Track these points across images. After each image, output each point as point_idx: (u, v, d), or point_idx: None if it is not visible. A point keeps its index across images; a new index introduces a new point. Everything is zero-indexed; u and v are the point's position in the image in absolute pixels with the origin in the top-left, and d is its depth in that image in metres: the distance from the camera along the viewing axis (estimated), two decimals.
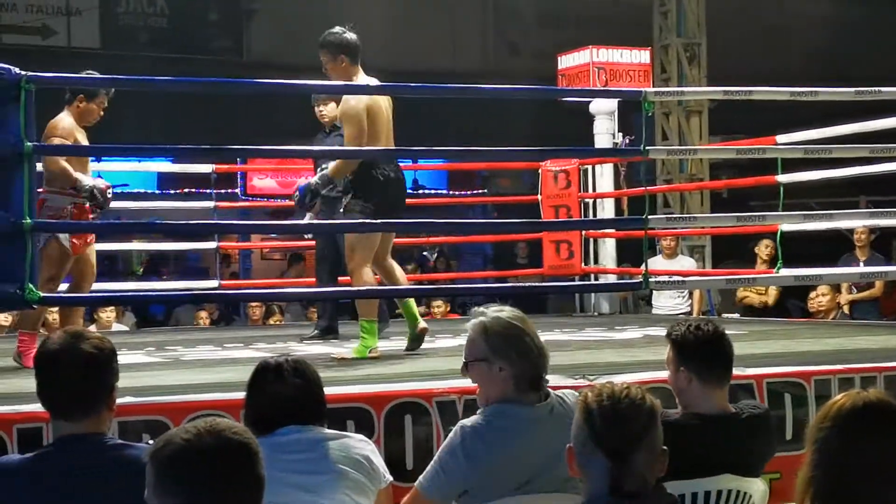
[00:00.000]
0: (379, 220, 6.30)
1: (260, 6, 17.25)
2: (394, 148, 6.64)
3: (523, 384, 3.53)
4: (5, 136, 4.95)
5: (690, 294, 11.09)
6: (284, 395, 3.45)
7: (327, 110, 7.87)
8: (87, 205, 6.42)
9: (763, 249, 10.26)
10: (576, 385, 4.82)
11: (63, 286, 6.66)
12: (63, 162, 6.33)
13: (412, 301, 6.80)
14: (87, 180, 6.36)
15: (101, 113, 6.53)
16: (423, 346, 6.76)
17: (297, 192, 6.66)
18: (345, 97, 6.42)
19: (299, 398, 3.46)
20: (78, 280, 6.65)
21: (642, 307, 11.68)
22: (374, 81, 6.45)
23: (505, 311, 3.61)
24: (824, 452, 2.44)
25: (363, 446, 3.51)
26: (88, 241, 6.48)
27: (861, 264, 9.61)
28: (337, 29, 6.50)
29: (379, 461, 3.53)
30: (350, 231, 6.56)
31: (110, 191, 6.49)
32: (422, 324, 6.72)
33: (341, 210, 6.63)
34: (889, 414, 2.47)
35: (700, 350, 3.73)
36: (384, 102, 6.48)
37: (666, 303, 10.99)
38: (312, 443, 3.42)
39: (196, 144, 6.62)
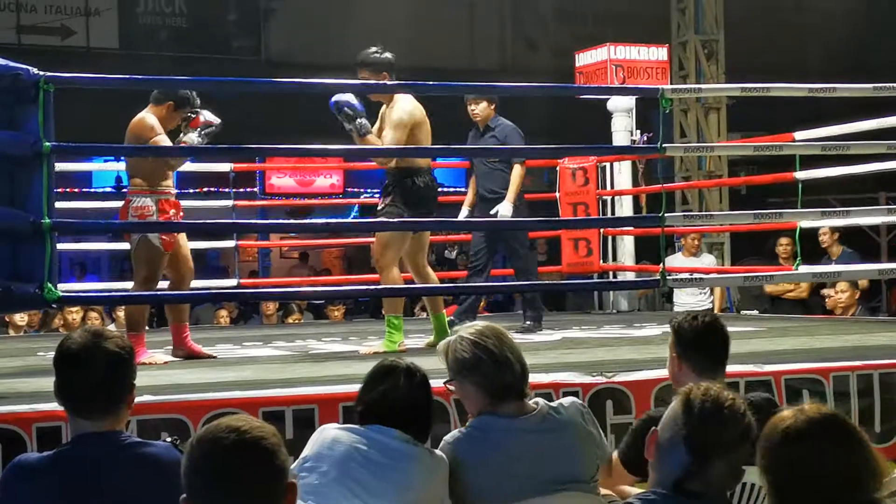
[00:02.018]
0: (398, 220, 6.41)
1: (278, 5, 17.29)
2: (412, 147, 6.68)
3: (497, 397, 3.54)
4: (24, 137, 4.97)
5: (711, 291, 11.07)
6: (391, 398, 3.51)
7: (479, 109, 8.08)
8: (172, 200, 6.48)
9: (783, 247, 10.24)
10: (593, 382, 4.83)
11: (164, 284, 6.73)
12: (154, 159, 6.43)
13: (444, 315, 6.95)
14: (203, 128, 6.45)
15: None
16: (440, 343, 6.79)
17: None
18: (397, 107, 6.62)
19: (398, 403, 3.51)
20: (175, 278, 6.70)
21: (663, 304, 11.66)
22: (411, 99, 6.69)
23: (473, 328, 3.63)
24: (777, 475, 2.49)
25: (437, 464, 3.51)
26: (173, 239, 6.51)
27: (833, 262, 9.57)
28: (374, 48, 6.74)
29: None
30: (363, 230, 6.65)
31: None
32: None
33: (379, 209, 6.78)
34: (832, 426, 2.51)
35: (694, 338, 3.84)
36: (424, 113, 6.73)
37: (687, 300, 10.96)
38: (394, 451, 3.43)
39: (218, 141, 6.63)
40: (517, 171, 8.07)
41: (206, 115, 6.50)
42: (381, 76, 6.63)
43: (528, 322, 8.10)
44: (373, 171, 9.53)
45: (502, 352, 3.54)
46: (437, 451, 3.54)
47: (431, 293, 7.03)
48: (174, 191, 6.60)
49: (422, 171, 6.71)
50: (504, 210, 7.96)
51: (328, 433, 3.47)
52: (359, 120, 6.44)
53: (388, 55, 6.71)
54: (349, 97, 6.43)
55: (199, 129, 6.45)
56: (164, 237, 6.40)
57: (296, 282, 8.99)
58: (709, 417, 2.75)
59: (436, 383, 3.69)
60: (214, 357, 6.59)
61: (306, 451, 3.45)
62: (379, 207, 6.79)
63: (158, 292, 6.59)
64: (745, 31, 16.26)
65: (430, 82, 6.75)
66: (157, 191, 6.44)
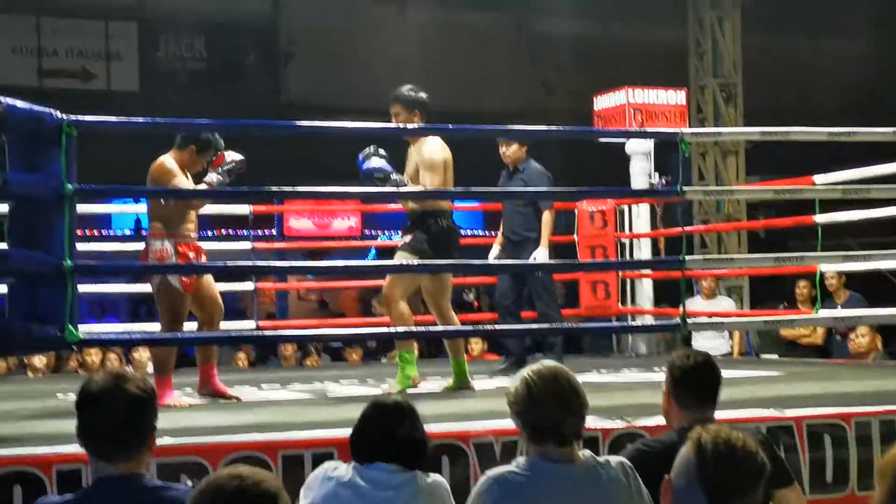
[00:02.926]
0: (416, 263, 6.42)
1: (298, 48, 17.37)
2: (430, 190, 6.71)
3: (537, 439, 3.47)
4: (47, 179, 5.01)
5: (731, 335, 11.03)
6: (383, 434, 3.56)
7: (510, 151, 8.27)
8: (191, 244, 6.53)
9: (801, 290, 10.21)
10: (612, 427, 4.82)
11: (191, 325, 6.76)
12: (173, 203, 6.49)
13: (465, 360, 6.97)
14: (224, 165, 6.48)
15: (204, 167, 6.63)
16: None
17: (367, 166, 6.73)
18: (428, 149, 6.75)
19: (397, 438, 3.56)
20: (203, 318, 6.74)
21: (682, 348, 11.61)
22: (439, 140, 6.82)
23: (532, 367, 3.58)
24: None
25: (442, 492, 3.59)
26: (194, 279, 6.53)
27: (839, 307, 9.53)
28: (407, 86, 6.85)
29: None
30: (381, 272, 6.68)
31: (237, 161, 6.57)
32: (471, 382, 6.92)
33: (399, 245, 6.87)
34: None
35: (684, 375, 3.86)
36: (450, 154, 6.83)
37: (706, 344, 10.90)
38: (401, 483, 3.50)
39: (237, 184, 6.65)
40: (546, 218, 8.14)
41: (229, 154, 6.53)
42: (412, 114, 6.75)
43: (505, 364, 8.11)
44: (390, 213, 9.54)
45: (547, 393, 3.47)
46: (434, 475, 3.59)
47: (451, 336, 7.02)
48: (195, 234, 6.62)
49: (444, 214, 6.78)
50: (541, 256, 8.06)
51: (326, 473, 3.54)
52: (393, 177, 6.55)
53: (422, 95, 6.82)
54: (374, 163, 6.58)
55: (220, 168, 6.48)
56: (184, 279, 6.43)
57: (313, 324, 8.97)
58: (723, 460, 2.72)
59: (447, 427, 3.67)
60: (239, 399, 6.61)
61: (311, 495, 3.48)
62: (399, 244, 6.84)
63: (178, 334, 6.60)
64: (763, 74, 16.27)
65: (451, 125, 6.75)
66: (176, 234, 6.47)
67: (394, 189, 6.64)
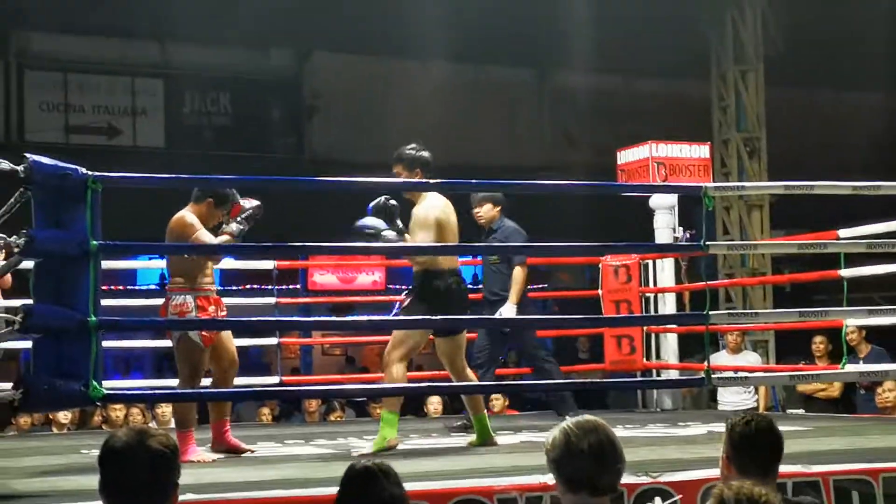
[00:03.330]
0: (439, 317, 6.39)
1: (322, 104, 17.48)
2: (453, 245, 6.71)
3: (580, 491, 3.44)
4: (72, 235, 5.03)
5: (756, 389, 10.96)
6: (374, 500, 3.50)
7: (483, 212, 8.33)
8: (211, 297, 6.55)
9: (818, 346, 10.17)
10: (638, 482, 4.78)
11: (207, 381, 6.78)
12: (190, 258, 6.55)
13: (485, 416, 6.89)
14: (242, 213, 6.52)
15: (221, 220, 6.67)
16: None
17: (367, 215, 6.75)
18: (423, 206, 6.68)
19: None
20: (218, 373, 6.76)
21: (708, 403, 11.54)
22: (439, 198, 6.73)
23: (574, 420, 3.54)
24: None
25: None
26: (213, 333, 6.56)
27: (861, 361, 9.46)
28: (413, 145, 6.81)
29: None
30: (407, 327, 6.62)
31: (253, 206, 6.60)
32: (494, 438, 6.84)
33: (401, 307, 6.78)
34: None
35: (744, 441, 3.78)
36: (452, 214, 6.73)
37: (731, 398, 10.86)
38: None
39: (259, 240, 6.67)
40: (518, 273, 8.15)
41: (246, 202, 6.57)
42: (414, 173, 6.71)
43: (461, 422, 8.07)
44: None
45: (585, 445, 3.44)
46: None
47: (471, 391, 6.99)
48: (215, 287, 6.64)
49: (443, 273, 6.63)
50: (507, 312, 8.07)
51: None
52: (384, 233, 6.53)
53: (424, 153, 6.77)
54: (364, 221, 6.59)
55: (239, 216, 6.52)
56: (203, 333, 6.46)
57: (336, 379, 8.97)
58: None
59: (471, 483, 3.64)
60: (253, 451, 6.60)
61: None
62: (402, 306, 6.78)
63: (201, 390, 6.61)
64: (787, 127, 16.30)
65: (468, 180, 6.77)
66: (197, 288, 6.51)
67: (413, 244, 6.58)
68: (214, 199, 6.57)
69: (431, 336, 6.93)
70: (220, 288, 6.83)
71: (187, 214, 6.53)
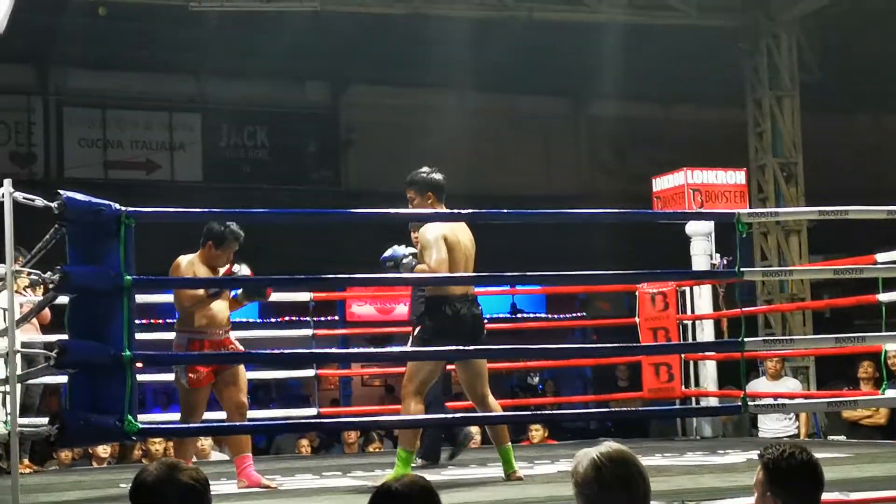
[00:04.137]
0: (473, 347, 6.35)
1: (357, 136, 17.55)
2: (490, 274, 6.69)
3: None
4: (106, 270, 5.06)
5: (797, 416, 10.88)
6: None
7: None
8: (207, 340, 6.61)
9: (865, 370, 10.07)
10: None
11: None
12: (180, 301, 6.64)
13: (510, 448, 6.73)
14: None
15: (231, 258, 6.73)
16: (523, 471, 6.74)
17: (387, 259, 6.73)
18: (424, 230, 6.57)
19: None
20: (227, 412, 6.80)
21: (750, 430, 11.47)
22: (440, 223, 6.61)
23: (603, 451, 3.52)
24: None
25: None
26: (205, 375, 6.61)
27: None
28: (424, 169, 6.70)
29: None
30: (454, 358, 6.59)
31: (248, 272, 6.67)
32: (518, 472, 6.67)
33: (414, 336, 6.72)
34: None
35: (790, 477, 3.62)
36: (463, 235, 6.59)
37: (772, 425, 10.79)
38: None
39: (298, 271, 6.70)
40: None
41: (242, 270, 6.63)
42: (425, 196, 6.60)
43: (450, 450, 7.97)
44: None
45: (615, 477, 3.41)
46: None
47: (500, 422, 6.89)
48: (216, 330, 6.69)
49: (451, 299, 6.48)
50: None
51: None
52: (405, 261, 6.50)
53: (435, 176, 6.64)
54: (387, 251, 6.57)
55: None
56: (190, 375, 6.55)
57: (373, 410, 8.96)
58: None
59: None
60: (276, 487, 6.62)
61: None
62: (414, 334, 6.72)
63: (236, 423, 6.63)
64: (824, 152, 16.22)
65: (500, 210, 6.74)
66: (190, 331, 6.65)
67: (442, 275, 6.48)
68: (213, 242, 6.66)
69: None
70: (259, 320, 6.88)
71: (181, 258, 6.67)
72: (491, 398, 6.70)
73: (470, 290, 6.62)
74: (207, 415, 7.03)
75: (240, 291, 6.84)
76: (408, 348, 6.66)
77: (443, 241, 6.43)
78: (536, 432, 11.17)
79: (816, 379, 13.39)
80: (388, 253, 6.60)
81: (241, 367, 6.84)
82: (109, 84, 16.43)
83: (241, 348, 6.92)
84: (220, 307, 6.71)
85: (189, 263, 6.67)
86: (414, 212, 6.63)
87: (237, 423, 6.63)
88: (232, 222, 6.70)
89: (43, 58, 16.02)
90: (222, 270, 6.70)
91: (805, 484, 3.66)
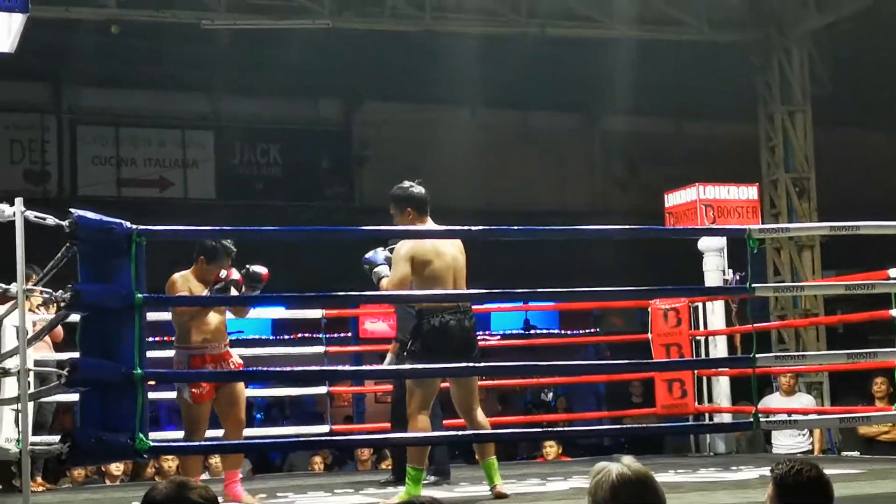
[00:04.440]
0: (484, 365, 6.34)
1: (371, 152, 17.57)
2: (505, 290, 6.68)
3: None
4: (117, 288, 5.08)
5: (811, 432, 10.84)
6: None
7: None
8: (208, 355, 6.61)
9: (879, 387, 10.03)
10: None
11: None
12: (178, 315, 6.65)
13: (494, 460, 6.62)
14: (217, 284, 6.59)
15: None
16: (536, 488, 6.74)
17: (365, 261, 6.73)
18: (397, 245, 6.56)
19: None
20: (225, 429, 6.82)
21: (764, 446, 11.44)
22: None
23: (622, 471, 3.50)
24: None
25: None
26: (208, 390, 6.62)
27: None
28: (406, 183, 6.67)
29: None
30: (459, 375, 6.57)
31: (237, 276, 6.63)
32: (500, 486, 6.56)
33: (404, 354, 6.68)
34: None
35: (799, 493, 3.63)
36: (448, 248, 6.53)
37: (786, 441, 10.76)
38: None
39: (310, 288, 6.71)
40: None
41: (228, 273, 6.62)
42: (405, 212, 6.58)
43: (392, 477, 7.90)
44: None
45: (632, 497, 3.40)
46: None
47: (513, 438, 6.92)
48: (216, 344, 6.71)
49: (435, 312, 6.40)
50: (388, 361, 8.03)
51: None
52: (377, 269, 6.55)
53: (415, 190, 6.60)
54: (370, 253, 6.65)
55: (213, 287, 6.58)
56: (193, 391, 6.55)
57: (386, 427, 8.92)
58: None
59: None
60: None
61: None
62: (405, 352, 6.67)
63: (251, 440, 6.64)
64: (836, 167, 16.20)
65: (510, 227, 6.72)
66: (189, 347, 6.68)
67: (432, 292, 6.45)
68: (206, 257, 6.68)
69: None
70: (272, 337, 6.91)
71: (176, 276, 6.70)
72: (480, 413, 6.62)
73: (462, 302, 6.55)
74: (208, 433, 7.03)
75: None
76: (406, 366, 6.58)
77: (409, 260, 6.38)
78: (550, 449, 11.14)
79: (830, 395, 13.34)
80: (369, 255, 6.63)
81: (241, 384, 6.86)
82: (122, 102, 16.49)
83: (241, 362, 6.92)
84: (216, 320, 6.74)
85: (184, 279, 6.71)
86: (429, 228, 6.61)
87: (246, 442, 6.65)
88: (229, 240, 6.72)
89: (56, 76, 16.08)
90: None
91: (814, 500, 3.66)
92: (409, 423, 6.49)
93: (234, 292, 6.58)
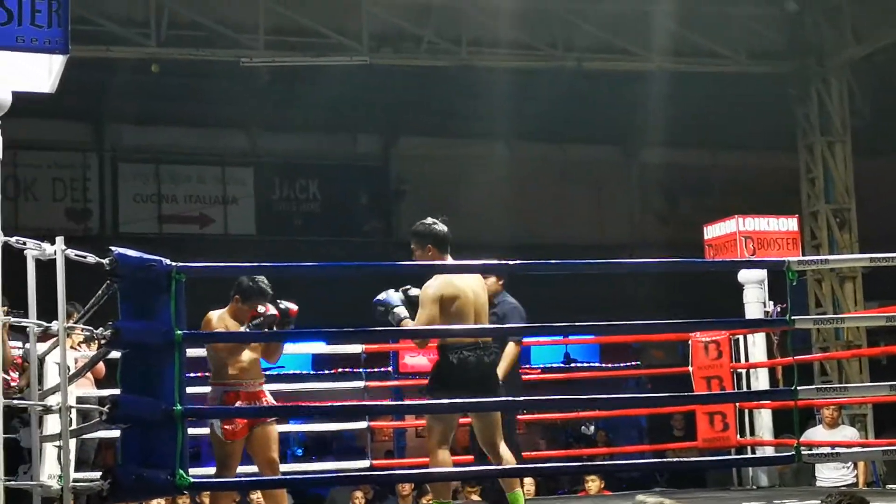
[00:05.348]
0: (524, 399, 6.32)
1: (409, 187, 17.63)
2: (544, 325, 6.65)
3: None
4: (157, 325, 5.10)
5: (855, 464, 10.74)
6: None
7: (487, 284, 7.97)
8: (242, 392, 6.63)
9: None
10: None
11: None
12: (215, 351, 6.68)
13: (520, 493, 6.62)
14: (255, 320, 6.59)
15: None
16: None
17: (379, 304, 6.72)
18: (425, 285, 6.53)
19: None
20: (259, 468, 6.82)
21: (809, 479, 11.34)
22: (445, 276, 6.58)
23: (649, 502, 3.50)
24: None
25: None
26: (241, 427, 6.64)
27: None
28: (428, 220, 6.71)
29: None
30: (491, 408, 6.55)
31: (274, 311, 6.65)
32: None
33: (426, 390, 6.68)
34: None
35: None
36: (472, 286, 6.57)
37: (830, 474, 10.65)
38: None
39: (349, 324, 6.72)
40: (510, 349, 7.77)
41: (265, 308, 6.63)
42: (426, 248, 6.61)
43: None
44: None
45: None
46: None
47: (551, 473, 6.89)
48: (250, 381, 6.72)
49: (455, 347, 6.44)
50: None
51: None
52: (395, 310, 6.49)
53: (438, 228, 6.63)
54: (382, 295, 6.56)
55: (250, 323, 6.60)
56: (225, 427, 6.56)
57: (426, 462, 8.90)
58: None
59: None
60: None
61: None
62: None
63: (290, 475, 6.65)
64: (878, 197, 16.11)
65: (547, 260, 6.70)
66: (224, 383, 6.69)
67: (440, 327, 6.42)
68: (241, 296, 6.70)
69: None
70: (312, 372, 6.92)
71: (212, 314, 6.73)
72: (503, 447, 6.63)
73: (482, 339, 6.58)
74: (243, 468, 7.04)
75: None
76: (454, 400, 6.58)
77: (438, 300, 6.41)
78: (593, 483, 11.07)
79: (874, 427, 13.22)
80: (381, 297, 6.59)
81: (274, 424, 6.86)
82: (163, 139, 16.65)
83: (274, 401, 6.93)
84: (250, 358, 6.75)
85: (219, 318, 6.74)
86: (466, 263, 6.62)
87: (287, 477, 6.66)
88: (262, 278, 6.72)
89: (97, 115, 16.25)
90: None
91: None
92: (430, 457, 6.49)
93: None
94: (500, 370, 7.65)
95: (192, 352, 6.52)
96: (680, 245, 14.19)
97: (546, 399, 6.62)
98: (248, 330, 6.57)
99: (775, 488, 10.20)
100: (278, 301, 6.65)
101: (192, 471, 5.25)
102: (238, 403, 6.62)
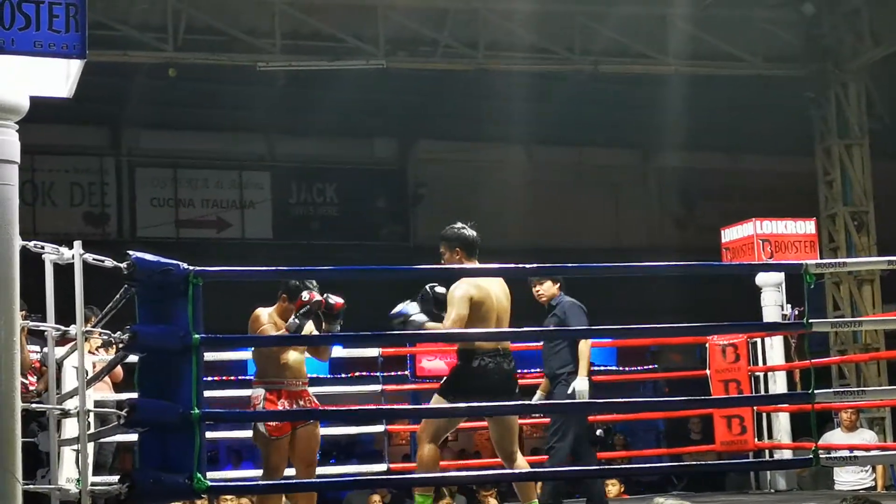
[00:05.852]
0: (541, 402, 6.32)
1: (426, 191, 17.64)
2: (561, 329, 6.65)
3: None
4: (174, 330, 5.11)
5: (873, 468, 10.70)
6: None
7: (543, 289, 8.04)
8: (284, 390, 6.65)
9: None
10: None
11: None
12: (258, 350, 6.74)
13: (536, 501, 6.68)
14: (301, 309, 6.55)
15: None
16: None
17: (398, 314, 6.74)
18: (453, 286, 6.56)
19: None
20: (297, 469, 6.83)
21: (827, 482, 11.31)
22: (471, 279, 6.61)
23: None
24: None
25: None
26: (283, 424, 6.66)
27: None
28: (458, 224, 6.75)
29: None
30: (514, 413, 6.56)
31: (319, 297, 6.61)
32: None
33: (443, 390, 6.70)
34: None
35: None
36: (495, 290, 6.60)
37: (848, 477, 10.62)
38: None
39: (367, 327, 6.72)
40: (583, 347, 7.90)
41: (307, 296, 6.62)
42: (454, 252, 6.65)
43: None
44: (527, 351, 9.51)
45: None
46: None
47: (577, 476, 6.88)
48: (296, 381, 6.71)
49: (477, 353, 6.47)
50: (580, 386, 7.87)
51: None
52: (412, 318, 6.53)
53: (465, 232, 6.68)
54: (397, 308, 6.62)
55: (297, 312, 6.58)
56: (269, 424, 6.56)
57: (444, 465, 8.88)
58: None
59: None
60: None
61: None
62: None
63: (306, 480, 6.65)
64: None
65: (565, 264, 6.72)
66: (268, 382, 6.66)
67: (466, 330, 6.42)
68: (287, 295, 6.70)
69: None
70: (329, 376, 6.92)
71: (261, 311, 6.73)
72: (519, 455, 6.67)
73: (502, 345, 6.60)
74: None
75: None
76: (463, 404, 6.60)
77: (468, 300, 6.44)
78: (613, 487, 11.06)
79: (893, 430, 13.17)
80: (397, 309, 6.63)
81: (318, 426, 6.86)
82: (180, 144, 16.69)
83: (318, 404, 6.94)
84: (294, 357, 6.75)
85: (269, 314, 6.75)
86: (482, 266, 6.63)
87: (308, 481, 6.64)
88: (312, 280, 6.74)
89: (115, 119, 16.30)
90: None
91: None
92: (418, 447, 6.60)
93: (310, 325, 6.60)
94: (582, 368, 7.73)
95: (209, 355, 6.55)
96: (697, 249, 14.13)
97: (563, 403, 6.60)
98: (295, 319, 6.55)
99: (793, 492, 10.19)
100: (326, 295, 6.66)
101: (209, 474, 5.27)
102: (280, 402, 6.62)
